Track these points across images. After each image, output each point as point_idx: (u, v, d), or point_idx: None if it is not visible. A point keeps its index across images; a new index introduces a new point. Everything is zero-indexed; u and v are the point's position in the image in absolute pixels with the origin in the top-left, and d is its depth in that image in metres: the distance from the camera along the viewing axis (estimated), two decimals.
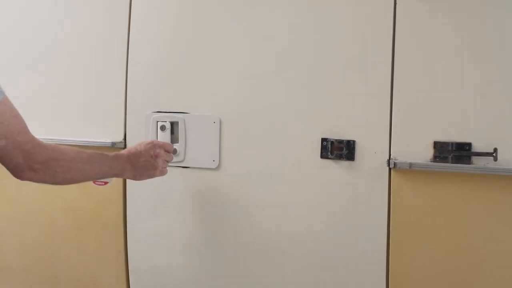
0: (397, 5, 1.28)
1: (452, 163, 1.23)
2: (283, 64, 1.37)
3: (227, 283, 1.46)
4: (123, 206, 1.54)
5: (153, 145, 1.27)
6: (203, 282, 1.49)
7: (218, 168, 1.44)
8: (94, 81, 1.54)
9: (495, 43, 1.22)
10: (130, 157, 1.23)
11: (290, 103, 1.37)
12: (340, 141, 1.32)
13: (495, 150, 1.19)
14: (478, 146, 1.22)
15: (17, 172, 1.00)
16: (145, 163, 1.24)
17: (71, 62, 1.56)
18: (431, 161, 1.25)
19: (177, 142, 1.45)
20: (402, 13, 1.27)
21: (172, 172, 1.36)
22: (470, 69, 1.23)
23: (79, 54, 1.55)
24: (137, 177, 1.25)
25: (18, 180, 1.02)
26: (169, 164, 1.32)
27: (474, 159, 1.23)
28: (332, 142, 1.32)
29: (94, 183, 1.54)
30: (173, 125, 1.46)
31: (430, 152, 1.26)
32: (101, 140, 1.51)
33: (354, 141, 1.31)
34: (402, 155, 1.28)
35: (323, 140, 1.33)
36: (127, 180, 1.52)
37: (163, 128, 1.44)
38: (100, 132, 1.53)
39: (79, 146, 1.51)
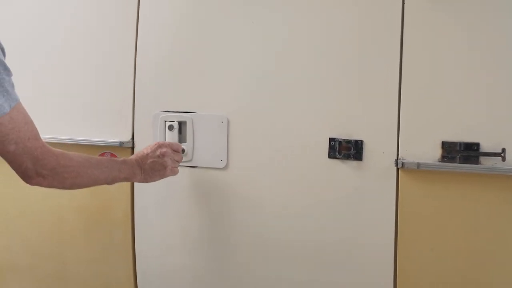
0: (405, 4, 1.27)
1: (460, 163, 1.23)
2: (291, 64, 1.37)
3: (236, 283, 1.47)
4: (131, 205, 1.54)
5: (159, 145, 1.29)
6: (212, 281, 1.49)
7: (226, 167, 1.44)
8: (102, 81, 1.54)
9: (503, 43, 1.21)
10: (138, 160, 1.25)
11: (298, 103, 1.37)
12: (348, 141, 1.32)
13: (503, 150, 1.19)
14: (486, 146, 1.22)
15: (26, 177, 1.02)
16: (153, 163, 1.26)
17: (78, 62, 1.56)
18: (439, 161, 1.25)
19: (185, 142, 1.46)
20: (410, 13, 1.27)
21: (180, 172, 1.37)
22: (478, 69, 1.23)
23: (87, 54, 1.55)
24: (148, 179, 1.26)
25: None
26: None
27: (482, 159, 1.23)
28: (340, 142, 1.33)
29: None
30: (181, 124, 1.46)
31: (438, 152, 1.26)
32: (109, 140, 1.51)
33: (362, 141, 1.32)
34: (410, 155, 1.28)
35: (331, 140, 1.33)
36: None
37: (171, 127, 1.45)
38: (108, 132, 1.53)
39: (87, 145, 1.53)
